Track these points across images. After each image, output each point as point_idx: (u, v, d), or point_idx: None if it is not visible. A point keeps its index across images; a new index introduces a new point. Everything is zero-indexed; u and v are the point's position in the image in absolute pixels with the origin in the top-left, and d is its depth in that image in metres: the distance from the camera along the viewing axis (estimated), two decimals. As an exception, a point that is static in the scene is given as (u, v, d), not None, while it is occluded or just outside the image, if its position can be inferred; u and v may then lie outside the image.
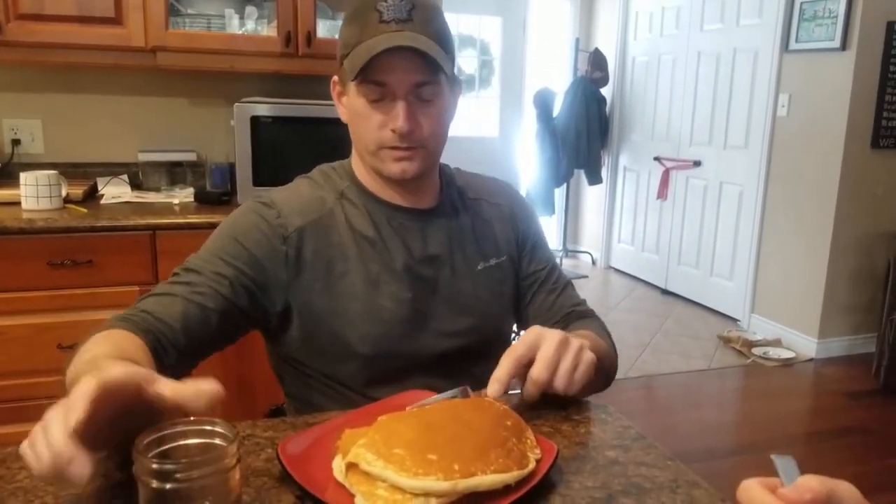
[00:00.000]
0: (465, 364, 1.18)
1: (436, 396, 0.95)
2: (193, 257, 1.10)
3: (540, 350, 0.93)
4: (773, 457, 0.60)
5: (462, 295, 1.19)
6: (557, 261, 1.36)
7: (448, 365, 1.16)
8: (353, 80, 1.06)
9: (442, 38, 1.08)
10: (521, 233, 1.29)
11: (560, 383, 0.93)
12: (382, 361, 1.13)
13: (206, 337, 1.04)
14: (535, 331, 0.95)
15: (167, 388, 0.70)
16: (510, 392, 1.07)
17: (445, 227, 1.21)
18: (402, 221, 1.18)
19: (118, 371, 0.69)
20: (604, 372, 1.13)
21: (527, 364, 0.93)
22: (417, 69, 1.05)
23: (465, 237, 1.22)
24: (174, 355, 1.00)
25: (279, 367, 1.25)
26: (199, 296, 1.04)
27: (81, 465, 0.62)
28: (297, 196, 1.16)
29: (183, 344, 1.01)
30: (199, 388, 0.71)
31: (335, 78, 1.17)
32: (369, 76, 1.04)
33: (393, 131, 1.07)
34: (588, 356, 0.96)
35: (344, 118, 1.17)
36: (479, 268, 1.22)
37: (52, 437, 0.63)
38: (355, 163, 1.21)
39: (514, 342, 0.96)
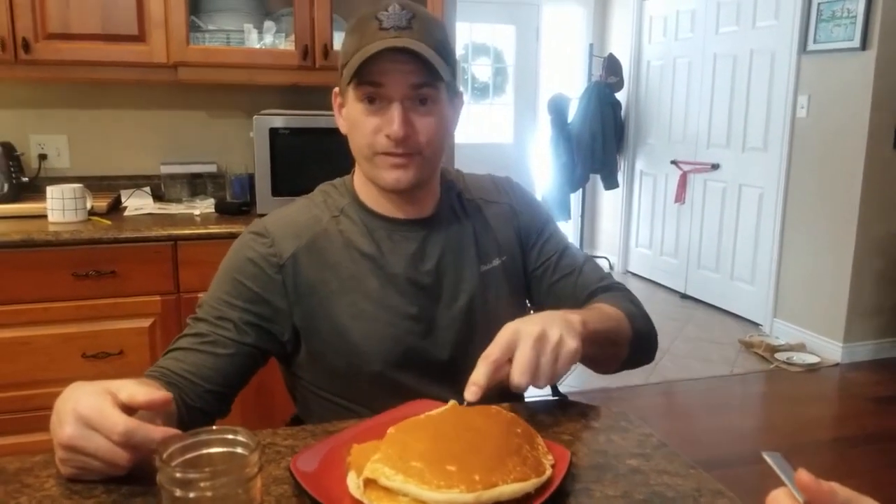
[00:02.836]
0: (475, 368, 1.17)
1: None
2: (203, 300, 1.13)
3: (517, 352, 0.90)
4: (764, 454, 0.60)
5: (467, 300, 1.19)
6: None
7: (459, 372, 1.13)
8: (349, 84, 1.06)
9: (441, 48, 1.08)
10: (522, 227, 1.28)
11: (542, 382, 0.90)
12: (393, 376, 1.13)
13: (225, 379, 1.08)
14: (510, 329, 0.92)
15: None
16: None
17: (445, 234, 1.20)
18: (403, 234, 1.17)
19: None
20: (622, 342, 1.12)
21: (506, 363, 0.90)
22: (414, 72, 1.05)
23: (466, 242, 1.21)
24: (200, 402, 1.04)
25: (292, 387, 1.27)
26: (208, 345, 1.07)
27: (147, 430, 0.76)
28: (291, 220, 1.17)
29: (205, 390, 1.05)
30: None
31: (336, 89, 1.17)
32: (365, 78, 1.05)
33: (388, 136, 1.07)
34: (569, 346, 0.91)
35: (343, 129, 1.17)
36: (481, 270, 1.21)
37: (109, 418, 0.75)
38: (356, 178, 1.21)
39: (491, 343, 0.92)
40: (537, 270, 1.27)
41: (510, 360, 0.90)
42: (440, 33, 1.10)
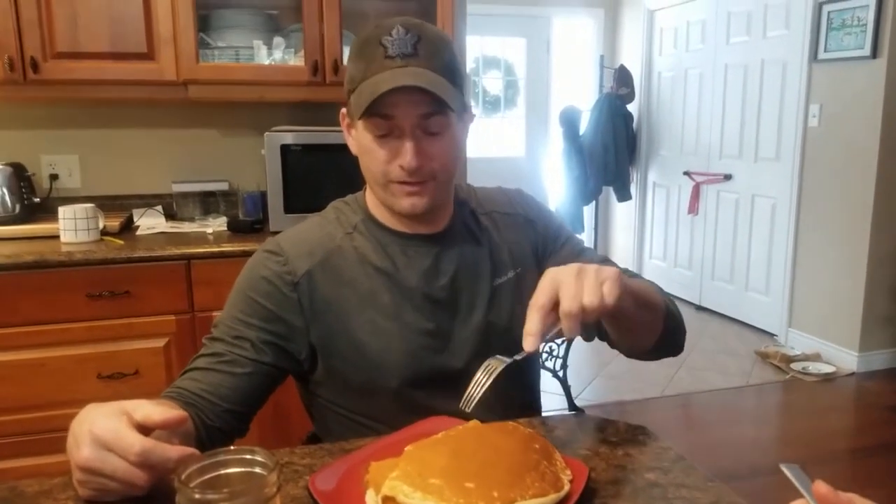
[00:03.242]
0: (495, 383, 1.16)
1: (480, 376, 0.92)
2: (219, 319, 1.13)
3: (561, 287, 0.89)
4: (782, 467, 0.60)
5: (483, 315, 1.18)
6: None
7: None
8: (359, 118, 1.06)
9: (449, 71, 1.07)
10: (539, 235, 1.27)
11: (590, 300, 0.88)
12: (411, 392, 1.12)
13: (244, 399, 1.08)
14: (549, 274, 0.92)
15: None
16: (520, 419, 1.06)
17: (460, 248, 1.20)
18: (417, 249, 1.17)
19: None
20: (657, 311, 1.10)
21: (554, 308, 0.90)
22: (423, 103, 1.04)
23: (480, 256, 1.21)
24: (218, 422, 1.04)
25: (309, 404, 1.26)
26: (225, 364, 1.07)
27: (164, 449, 0.76)
28: (305, 237, 1.17)
29: (223, 409, 1.05)
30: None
31: (343, 111, 1.17)
32: (374, 111, 1.04)
33: (402, 167, 1.07)
34: (610, 270, 0.91)
35: (354, 150, 1.17)
36: (496, 283, 1.20)
37: (125, 439, 0.75)
38: (368, 195, 1.21)
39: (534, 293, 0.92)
40: None
41: (556, 308, 0.89)
42: (447, 54, 1.09)
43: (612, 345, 1.17)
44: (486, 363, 0.93)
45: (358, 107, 1.04)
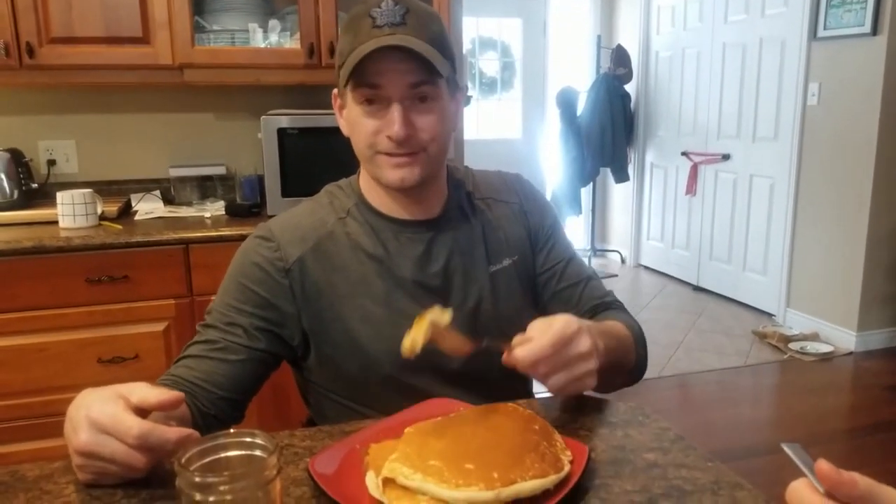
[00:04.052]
0: (488, 371, 1.12)
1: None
2: (212, 306, 1.13)
3: (551, 362, 0.90)
4: (783, 445, 0.60)
5: (476, 302, 1.17)
6: (584, 257, 1.32)
7: (471, 375, 1.13)
8: (346, 86, 1.05)
9: (438, 42, 1.06)
10: (532, 228, 1.26)
11: (568, 388, 0.93)
12: (404, 379, 1.11)
13: (238, 385, 1.08)
14: (573, 325, 0.93)
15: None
16: (538, 396, 1.06)
17: (453, 234, 1.18)
18: (410, 235, 1.16)
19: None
20: (623, 370, 1.11)
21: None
22: (412, 70, 1.03)
23: (475, 242, 1.20)
24: (213, 409, 1.04)
25: (305, 391, 1.26)
26: (219, 352, 1.07)
27: (162, 431, 0.76)
28: (297, 222, 1.16)
29: (218, 396, 1.05)
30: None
31: (335, 91, 1.16)
32: (362, 79, 1.03)
33: (389, 137, 1.05)
34: (588, 384, 0.95)
35: (345, 131, 1.15)
36: (490, 271, 1.19)
37: (123, 422, 0.75)
38: (362, 178, 1.19)
39: (556, 326, 0.91)
40: (543, 275, 1.25)
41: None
42: (436, 27, 1.08)
43: None
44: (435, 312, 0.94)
45: (345, 74, 1.03)
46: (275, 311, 1.11)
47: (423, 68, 1.03)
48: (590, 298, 1.24)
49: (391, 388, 1.12)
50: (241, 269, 1.13)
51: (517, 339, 0.93)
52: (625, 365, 1.12)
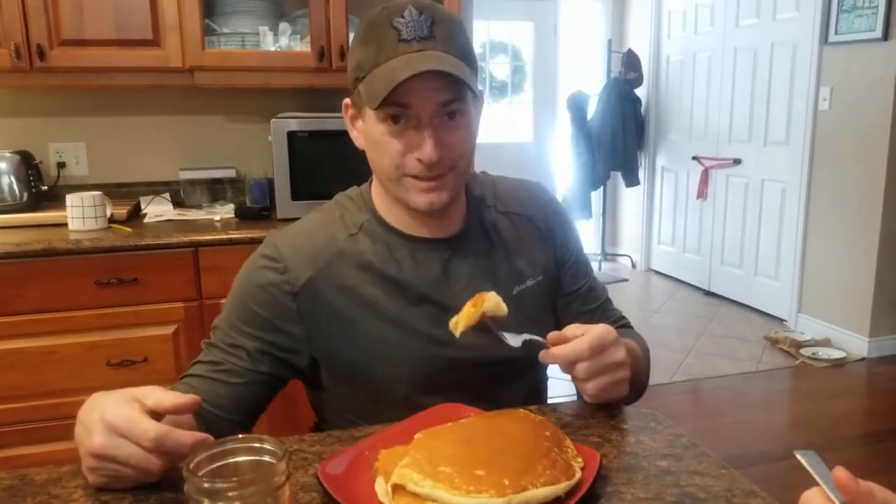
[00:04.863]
0: (504, 390, 1.11)
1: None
2: (217, 323, 1.09)
3: (604, 355, 0.93)
4: (797, 454, 0.59)
5: (500, 324, 1.11)
6: (595, 266, 1.31)
7: (487, 394, 1.07)
8: (375, 108, 0.98)
9: (466, 54, 1.01)
10: (559, 246, 1.21)
11: (601, 396, 0.95)
12: (419, 401, 1.03)
13: (240, 407, 1.05)
14: (612, 334, 0.95)
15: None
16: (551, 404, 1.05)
17: (474, 253, 1.12)
18: (427, 253, 1.10)
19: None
20: (634, 386, 1.08)
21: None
22: (443, 88, 0.97)
23: (497, 261, 1.14)
24: (216, 431, 0.99)
25: (317, 407, 1.22)
26: (222, 373, 1.04)
27: (179, 435, 0.75)
28: (306, 240, 1.10)
29: (220, 418, 1.02)
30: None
31: (347, 101, 1.09)
32: (390, 100, 0.96)
33: (419, 160, 0.99)
34: (623, 391, 0.98)
35: (359, 143, 1.09)
36: (514, 292, 1.12)
37: (139, 425, 0.75)
38: (375, 192, 1.13)
39: (595, 331, 0.94)
40: (568, 296, 1.21)
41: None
42: (463, 37, 1.02)
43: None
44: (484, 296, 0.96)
45: (372, 95, 0.97)
46: (281, 334, 1.06)
47: (453, 85, 0.98)
48: (606, 321, 1.18)
49: (407, 410, 1.03)
50: (246, 290, 1.08)
51: (552, 335, 0.94)
52: (637, 382, 1.09)
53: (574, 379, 0.95)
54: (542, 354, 0.93)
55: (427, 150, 0.98)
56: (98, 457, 0.76)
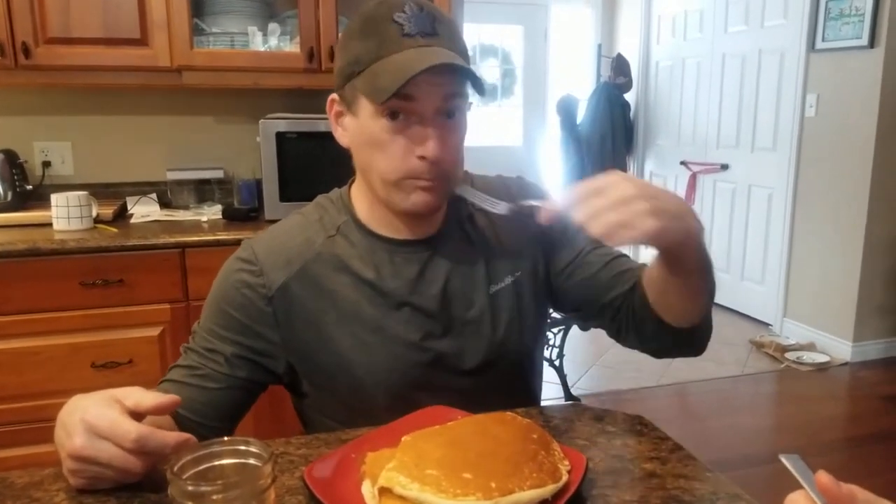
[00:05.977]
0: (490, 395, 1.06)
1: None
2: (196, 327, 1.08)
3: (602, 195, 0.81)
4: (781, 457, 0.59)
5: (477, 326, 1.08)
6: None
7: (471, 401, 1.00)
8: (382, 102, 0.93)
9: (466, 54, 1.00)
10: (543, 228, 1.13)
11: (591, 230, 0.81)
12: (399, 406, 0.99)
13: (218, 413, 1.03)
14: (609, 175, 0.83)
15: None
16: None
17: (451, 253, 1.09)
18: (405, 256, 1.07)
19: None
20: (709, 284, 0.99)
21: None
22: (447, 83, 0.95)
23: (475, 260, 1.10)
24: (196, 433, 0.96)
25: (300, 413, 1.20)
26: (198, 378, 1.02)
27: (161, 435, 0.75)
28: (282, 243, 1.07)
29: (197, 424, 1.00)
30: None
31: (334, 97, 1.05)
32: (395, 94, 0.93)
33: (422, 158, 0.96)
34: (646, 224, 0.80)
35: (343, 142, 1.06)
36: (491, 291, 1.10)
37: (121, 426, 0.75)
38: (356, 193, 1.10)
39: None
40: (566, 269, 1.14)
41: None
42: (461, 37, 1.01)
43: (616, 333, 1.12)
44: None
45: (378, 89, 0.93)
46: (258, 338, 1.04)
47: (455, 80, 0.96)
48: (629, 267, 1.12)
49: (389, 415, 0.99)
50: (222, 293, 1.06)
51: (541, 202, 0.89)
52: (707, 282, 0.97)
53: (583, 230, 0.83)
54: (538, 216, 0.87)
55: (431, 146, 0.95)
56: (79, 459, 0.76)
